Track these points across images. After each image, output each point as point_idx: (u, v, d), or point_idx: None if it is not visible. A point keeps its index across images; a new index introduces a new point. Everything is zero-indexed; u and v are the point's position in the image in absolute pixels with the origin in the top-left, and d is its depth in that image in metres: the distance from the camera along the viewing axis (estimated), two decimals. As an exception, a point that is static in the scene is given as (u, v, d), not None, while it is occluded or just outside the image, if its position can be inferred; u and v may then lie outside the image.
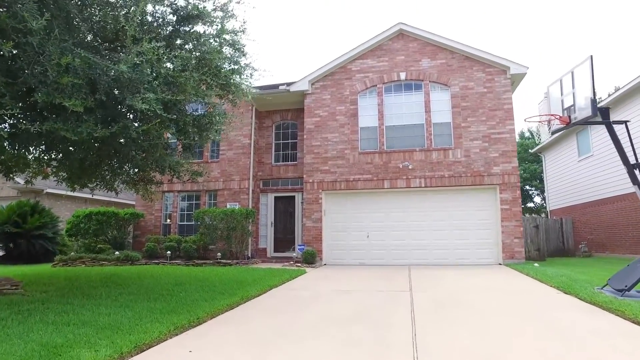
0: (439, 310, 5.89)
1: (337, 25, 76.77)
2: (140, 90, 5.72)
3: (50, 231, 14.63)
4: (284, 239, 14.69)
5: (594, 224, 18.24)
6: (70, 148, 6.54)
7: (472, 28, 64.56)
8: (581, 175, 19.21)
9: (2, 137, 5.28)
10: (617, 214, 16.46)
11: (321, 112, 14.01)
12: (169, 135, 7.19)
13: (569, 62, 59.03)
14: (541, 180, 28.72)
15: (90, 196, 18.87)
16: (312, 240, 13.17)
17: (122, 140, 6.29)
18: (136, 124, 6.10)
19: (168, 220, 14.89)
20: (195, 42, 6.86)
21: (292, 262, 12.77)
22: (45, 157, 8.06)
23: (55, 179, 9.32)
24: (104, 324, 4.64)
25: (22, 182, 13.07)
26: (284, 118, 15.37)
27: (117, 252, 12.46)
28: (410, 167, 13.05)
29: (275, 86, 14.87)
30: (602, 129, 17.04)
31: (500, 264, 12.15)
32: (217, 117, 7.47)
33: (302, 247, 12.90)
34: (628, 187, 15.33)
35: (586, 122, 6.62)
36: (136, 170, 8.42)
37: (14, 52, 5.28)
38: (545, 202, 26.33)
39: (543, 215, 28.44)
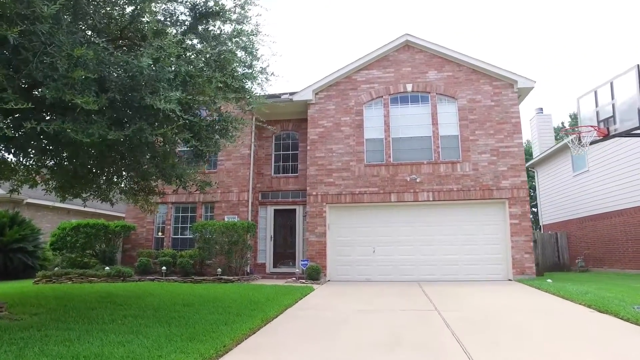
0: (481, 332, 5.40)
1: (341, 35, 77.21)
2: (158, 89, 5.14)
3: (31, 244, 13.59)
4: (283, 254, 14.03)
5: (591, 239, 18.23)
6: (73, 152, 5.84)
7: (478, 41, 65.90)
8: (576, 191, 19.26)
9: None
10: (616, 228, 16.45)
11: (325, 122, 13.58)
12: (178, 141, 6.57)
13: (568, 75, 60.42)
14: (532, 196, 28.90)
15: (73, 207, 17.82)
16: (315, 255, 12.57)
17: (132, 145, 5.65)
18: (149, 127, 5.47)
19: (160, 234, 14.05)
20: (214, 41, 6.33)
21: (295, 278, 12.12)
22: (38, 163, 7.30)
23: (43, 188, 8.51)
24: (120, 357, 3.96)
25: (4, 191, 12.12)
26: (284, 128, 14.86)
27: (107, 268, 11.55)
28: (417, 180, 12.69)
29: (276, 95, 14.41)
30: (598, 146, 17.22)
31: (510, 280, 11.81)
32: (233, 123, 6.90)
33: (306, 262, 12.28)
34: (627, 202, 15.40)
35: (628, 133, 6.36)
36: (138, 179, 7.73)
37: (18, 41, 4.65)
38: (537, 217, 26.41)
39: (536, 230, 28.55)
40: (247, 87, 7.16)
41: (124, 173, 7.93)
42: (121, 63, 4.90)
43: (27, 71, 4.61)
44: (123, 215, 18.97)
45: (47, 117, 5.23)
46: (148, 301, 7.42)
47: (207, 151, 6.88)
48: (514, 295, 8.99)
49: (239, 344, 4.90)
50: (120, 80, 5.06)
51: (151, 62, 4.78)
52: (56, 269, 11.91)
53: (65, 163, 6.54)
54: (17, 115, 4.73)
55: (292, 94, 13.87)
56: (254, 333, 5.46)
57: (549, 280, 10.97)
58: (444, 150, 12.96)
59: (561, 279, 12.28)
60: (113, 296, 8.02)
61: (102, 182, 8.49)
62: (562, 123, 35.09)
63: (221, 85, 6.21)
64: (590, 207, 18.09)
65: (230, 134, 6.94)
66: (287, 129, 14.84)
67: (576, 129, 7.02)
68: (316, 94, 13.80)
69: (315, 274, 11.91)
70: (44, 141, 5.34)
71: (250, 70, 7.15)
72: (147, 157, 6.00)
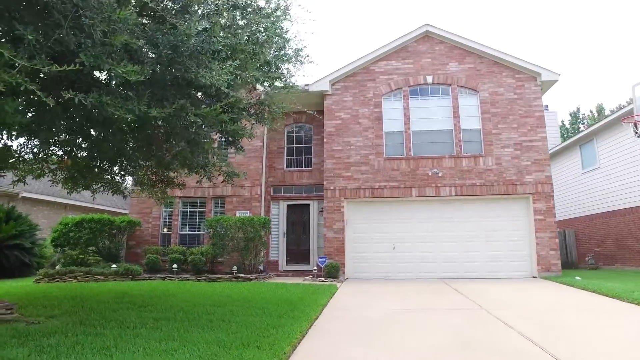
0: (551, 334, 4.91)
1: (358, 26, 75.90)
2: (202, 62, 4.53)
3: (28, 241, 12.77)
4: (297, 251, 13.46)
5: (602, 237, 18.02)
6: (103, 134, 5.17)
7: (499, 32, 65.34)
8: (586, 188, 19.03)
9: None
10: (630, 226, 16.22)
11: (342, 114, 13.02)
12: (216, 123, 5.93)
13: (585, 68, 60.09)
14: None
15: (70, 202, 16.98)
16: (333, 252, 12.02)
17: (170, 127, 5.02)
18: (191, 106, 4.83)
19: (166, 230, 13.34)
20: (255, 15, 5.72)
21: (312, 276, 11.55)
22: (47, 151, 6.58)
23: (50, 179, 7.79)
24: (178, 369, 3.35)
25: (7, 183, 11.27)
26: (297, 121, 14.27)
27: (114, 265, 10.82)
28: (439, 174, 12.23)
29: (289, 86, 13.78)
30: (610, 142, 17.02)
31: (534, 277, 11.43)
32: (271, 107, 6.30)
33: (324, 259, 11.72)
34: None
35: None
36: (161, 168, 7.06)
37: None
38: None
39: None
40: (283, 70, 6.57)
41: (141, 162, 7.25)
42: (165, 31, 4.27)
43: (58, 37, 3.96)
44: (124, 211, 18.21)
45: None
46: (171, 302, 6.78)
47: (242, 136, 6.26)
48: (552, 293, 8.56)
49: (294, 349, 4.33)
50: (160, 52, 4.43)
51: (201, 29, 4.16)
52: (57, 267, 11.14)
53: (87, 148, 5.85)
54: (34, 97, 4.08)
55: (307, 85, 13.26)
56: (304, 337, 4.89)
57: (577, 278, 10.60)
58: (466, 144, 12.51)
59: (583, 276, 11.92)
60: (130, 296, 7.35)
61: (116, 172, 7.85)
62: (562, 121, 35.09)
63: (263, 64, 5.62)
64: (601, 205, 17.86)
65: (266, 117, 6.33)
66: (300, 121, 14.25)
67: (636, 117, 6.59)
68: (333, 84, 13.23)
69: (334, 272, 11.36)
70: (74, 120, 4.66)
71: (283, 52, 6.57)
72: (183, 142, 5.36)
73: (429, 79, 12.99)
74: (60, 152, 6.68)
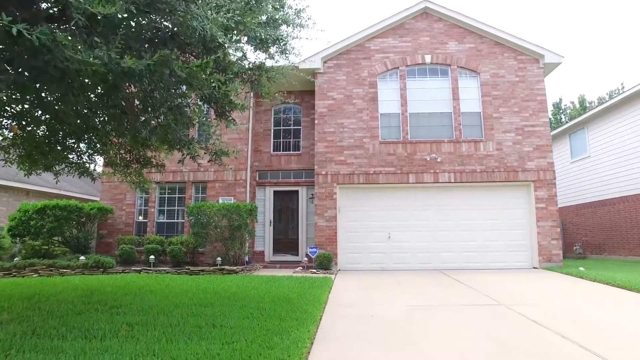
0: (594, 334, 4.24)
1: (353, 3, 72.72)
2: (189, 6, 3.54)
3: (-20, 230, 11.37)
4: (284, 241, 12.57)
5: (590, 226, 17.90)
6: (60, 93, 4.08)
7: (501, 12, 63.88)
8: (574, 177, 18.85)
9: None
10: (618, 215, 16.08)
11: (335, 94, 12.10)
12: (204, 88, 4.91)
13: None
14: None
15: (34, 187, 15.49)
16: (325, 242, 11.20)
17: (149, 85, 4.00)
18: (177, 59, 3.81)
19: (141, 218, 12.19)
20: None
21: (302, 268, 10.72)
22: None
23: (1, 158, 6.62)
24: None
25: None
26: (285, 101, 13.19)
27: (82, 257, 9.65)
28: (438, 159, 11.52)
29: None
30: (602, 130, 16.78)
31: (535, 268, 10.95)
32: (269, 73, 5.32)
33: (315, 250, 10.89)
34: (631, 189, 14.97)
35: None
36: (136, 145, 5.99)
37: None
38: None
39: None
40: (282, 32, 5.58)
41: (113, 137, 6.17)
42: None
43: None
44: (96, 198, 16.84)
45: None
46: (149, 301, 5.79)
47: (234, 107, 5.28)
48: (565, 286, 8.00)
49: (306, 362, 3.49)
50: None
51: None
52: (15, 259, 9.89)
53: (44, 118, 4.75)
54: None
55: (295, 63, 12.22)
56: (313, 343, 4.05)
57: (581, 268, 10.15)
58: (466, 128, 11.83)
59: (576, 265, 11.51)
60: (99, 294, 6.31)
61: (83, 149, 6.74)
62: (553, 104, 35.03)
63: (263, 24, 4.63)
64: (589, 194, 17.68)
65: (264, 86, 5.36)
66: (289, 102, 13.18)
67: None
68: (325, 62, 12.27)
69: (326, 263, 10.55)
70: (20, 73, 3.57)
71: (282, 13, 5.58)
72: (164, 108, 4.34)
73: (427, 58, 12.19)
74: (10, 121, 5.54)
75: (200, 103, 5.38)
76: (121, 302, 5.59)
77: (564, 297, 6.85)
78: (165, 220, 12.08)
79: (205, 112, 6.14)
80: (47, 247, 10.68)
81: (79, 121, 5.40)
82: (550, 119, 34.34)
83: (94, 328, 4.16)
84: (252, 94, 12.21)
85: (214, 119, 5.64)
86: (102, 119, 5.27)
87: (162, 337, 3.90)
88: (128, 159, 6.81)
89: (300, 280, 8.30)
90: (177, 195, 12.20)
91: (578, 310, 5.74)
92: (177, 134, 5.62)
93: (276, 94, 6.23)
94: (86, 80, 3.80)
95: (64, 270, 9.20)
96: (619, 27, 56.89)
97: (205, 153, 6.27)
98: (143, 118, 4.91)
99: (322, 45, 12.92)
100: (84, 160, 6.94)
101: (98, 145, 6.62)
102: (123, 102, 4.53)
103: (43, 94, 4.19)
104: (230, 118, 5.51)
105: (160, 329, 4.18)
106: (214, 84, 4.45)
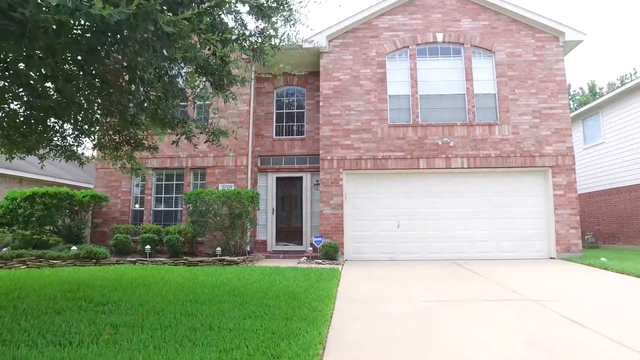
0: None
1: None
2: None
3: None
4: (288, 230, 12.00)
5: (603, 214, 17.28)
6: (29, 56, 3.44)
7: None
8: (587, 164, 18.16)
9: None
10: (634, 203, 15.44)
11: (341, 74, 11.40)
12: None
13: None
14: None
15: (26, 175, 14.91)
16: (330, 230, 10.63)
17: (131, 46, 3.35)
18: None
19: (138, 206, 11.62)
20: None
21: (307, 258, 10.18)
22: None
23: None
24: None
25: None
26: (288, 83, 12.56)
27: (74, 247, 9.10)
28: (450, 144, 10.87)
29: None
30: (618, 115, 16.06)
31: (553, 258, 10.38)
32: (272, 40, 4.66)
33: (320, 239, 10.32)
34: (656, 175, 14.33)
35: None
36: (124, 123, 5.36)
37: None
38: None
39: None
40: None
41: (99, 115, 5.55)
42: None
43: None
44: (90, 185, 16.26)
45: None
46: (140, 296, 5.23)
47: (232, 80, 4.64)
48: (593, 278, 7.41)
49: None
50: None
51: None
52: (4, 249, 9.35)
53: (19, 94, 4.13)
54: None
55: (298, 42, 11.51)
56: (324, 348, 3.49)
57: (603, 259, 9.57)
58: (480, 110, 11.15)
59: (600, 256, 10.94)
60: (87, 288, 5.75)
61: (69, 131, 6.15)
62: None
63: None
64: (603, 181, 17.03)
65: (267, 53, 4.71)
66: (292, 84, 12.55)
67: None
68: (330, 41, 11.54)
69: (332, 253, 10.00)
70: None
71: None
72: (150, 74, 3.70)
73: (439, 37, 11.45)
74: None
75: (196, 76, 4.71)
76: (109, 298, 5.03)
77: (595, 291, 6.27)
78: (162, 209, 11.51)
79: (202, 87, 5.48)
80: (38, 236, 10.15)
81: (58, 96, 4.80)
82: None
83: (72, 331, 3.59)
84: (253, 74, 11.52)
85: (210, 93, 4.98)
86: (84, 93, 4.64)
87: (150, 343, 3.33)
88: (117, 140, 6.21)
89: (306, 271, 7.74)
90: (174, 182, 11.60)
91: (618, 306, 5.16)
92: (169, 110, 5.00)
93: (282, 66, 5.56)
94: (56, 40, 3.16)
95: (54, 262, 8.66)
96: (627, 11, 55.47)
97: (201, 133, 5.64)
98: (128, 91, 4.27)
99: (331, 9, 12.15)
100: (69, 142, 6.36)
101: (85, 126, 6.04)
102: (105, 71, 3.88)
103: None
104: (229, 92, 4.86)
105: (149, 332, 3.62)
106: (209, 48, 3.82)
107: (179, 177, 11.60)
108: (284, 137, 12.30)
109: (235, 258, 9.03)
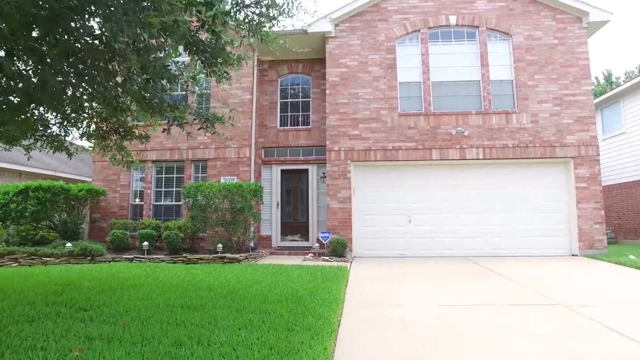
0: None
1: None
2: None
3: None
4: (293, 225, 11.48)
5: (623, 208, 16.51)
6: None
7: None
8: (606, 155, 17.34)
9: None
10: (661, 197, 14.70)
11: (348, 60, 10.78)
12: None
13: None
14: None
15: (27, 169, 14.54)
16: (338, 225, 10.09)
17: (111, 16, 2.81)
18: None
19: (137, 200, 11.18)
20: None
21: (313, 255, 9.66)
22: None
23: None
24: None
25: None
26: (293, 70, 11.96)
27: (69, 244, 8.68)
28: (465, 133, 10.23)
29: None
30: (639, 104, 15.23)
31: (575, 255, 9.75)
32: (272, 8, 4.09)
33: (327, 234, 9.79)
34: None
35: None
36: (108, 107, 4.83)
37: None
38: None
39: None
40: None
41: (83, 100, 5.04)
42: None
43: None
44: (90, 179, 15.86)
45: None
46: (128, 300, 4.74)
47: (226, 59, 4.08)
48: (623, 277, 6.79)
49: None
50: None
51: None
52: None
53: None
54: None
55: (303, 25, 10.91)
56: (332, 367, 2.96)
57: (631, 256, 8.92)
58: (496, 98, 10.48)
59: (623, 252, 10.27)
60: (73, 290, 5.28)
61: (53, 119, 5.68)
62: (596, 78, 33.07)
63: None
64: (624, 173, 16.24)
65: (264, 25, 4.14)
66: (296, 71, 11.95)
67: None
68: (336, 25, 10.91)
69: (340, 249, 9.47)
70: None
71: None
72: (129, 51, 3.15)
73: (452, 19, 10.76)
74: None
75: (178, 48, 4.16)
76: (93, 303, 4.54)
77: (636, 294, 5.65)
78: (162, 203, 11.05)
79: (188, 65, 4.94)
80: (34, 232, 9.77)
81: (31, 78, 4.30)
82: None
83: (38, 346, 3.10)
84: (255, 64, 10.97)
85: (202, 72, 4.42)
86: (57, 72, 4.12)
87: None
88: (104, 128, 5.70)
89: (312, 270, 7.21)
90: (175, 175, 11.12)
91: (663, 313, 4.55)
92: (157, 93, 4.47)
93: (282, 42, 4.99)
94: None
95: (47, 259, 8.25)
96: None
97: (194, 119, 5.11)
98: (108, 69, 3.74)
99: (322, 11, 11.51)
100: (53, 131, 5.88)
101: (70, 114, 5.55)
102: (75, 43, 3.35)
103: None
104: (224, 72, 4.30)
105: (127, 347, 3.11)
106: (197, 20, 3.26)
107: (179, 170, 11.11)
108: (288, 127, 11.74)
109: (237, 255, 8.53)
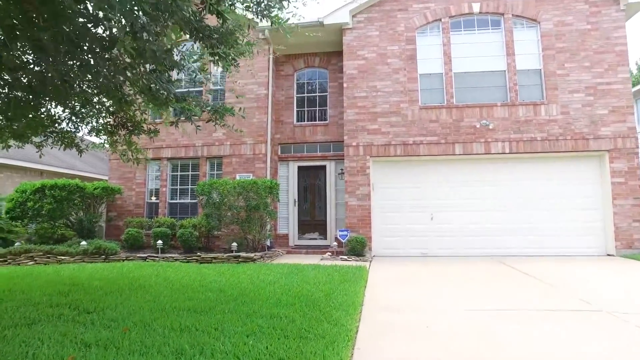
0: None
1: None
2: None
3: (-14, 212, 10.56)
4: (311, 223, 11.17)
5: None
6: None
7: None
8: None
9: None
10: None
11: (367, 52, 10.38)
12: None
13: None
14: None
15: (48, 168, 14.72)
16: (357, 223, 9.72)
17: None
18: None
19: (153, 198, 11.08)
20: None
21: (331, 254, 9.34)
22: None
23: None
24: None
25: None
26: (309, 64, 11.64)
27: (83, 243, 8.61)
28: (490, 126, 9.70)
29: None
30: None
31: (610, 255, 9.11)
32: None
33: (346, 233, 9.45)
34: None
35: None
36: (114, 100, 4.62)
37: None
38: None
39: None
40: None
41: (87, 91, 4.84)
42: None
43: None
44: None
45: None
46: (134, 302, 4.52)
47: (234, 46, 3.79)
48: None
49: None
50: None
51: None
52: (17, 244, 8.96)
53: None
54: None
55: (319, 18, 10.55)
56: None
57: (674, 257, 8.26)
58: (523, 88, 9.90)
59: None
60: (80, 291, 5.11)
61: (62, 115, 5.54)
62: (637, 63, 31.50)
63: None
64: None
65: (272, 5, 3.82)
66: (313, 65, 11.62)
67: None
68: (354, 16, 10.51)
69: (359, 248, 9.11)
70: None
71: None
72: (124, 34, 2.89)
73: (475, 7, 10.22)
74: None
75: (178, 30, 3.88)
76: (98, 305, 4.33)
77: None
78: (178, 201, 10.91)
79: (191, 50, 4.67)
80: (52, 230, 9.76)
81: (31, 68, 4.13)
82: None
83: (29, 354, 2.87)
84: (270, 58, 10.70)
85: (210, 59, 4.14)
86: (57, 60, 3.91)
87: (120, 374, 2.56)
88: (112, 122, 5.51)
89: (329, 270, 6.88)
90: (190, 173, 10.97)
91: None
92: (162, 84, 4.22)
93: (293, 25, 4.67)
94: None
95: (62, 258, 8.18)
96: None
97: (203, 111, 4.84)
98: (105, 57, 3.50)
99: (338, 2, 11.10)
100: (64, 127, 5.74)
101: (79, 108, 5.39)
102: (70, 27, 3.11)
103: None
104: (230, 57, 4.01)
105: (123, 356, 2.85)
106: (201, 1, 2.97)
107: (194, 168, 10.95)
108: (305, 123, 11.42)
109: (252, 254, 8.27)
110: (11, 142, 6.08)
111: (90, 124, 5.68)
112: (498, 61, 10.08)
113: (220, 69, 10.72)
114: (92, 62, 3.75)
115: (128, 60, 3.65)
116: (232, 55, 4.23)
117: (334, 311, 4.16)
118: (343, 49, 10.50)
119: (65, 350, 2.95)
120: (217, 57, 3.89)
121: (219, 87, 11.02)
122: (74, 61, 3.77)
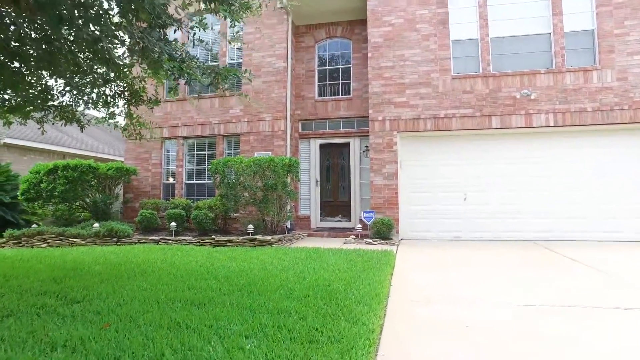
0: None
1: None
2: None
3: (8, 195, 10.45)
4: (334, 204, 10.53)
5: None
6: None
7: None
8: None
9: None
10: None
11: (393, 18, 9.45)
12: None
13: None
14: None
15: (69, 150, 14.65)
16: (383, 204, 9.00)
17: None
18: None
19: (171, 179, 10.70)
20: None
21: (355, 237, 8.70)
22: None
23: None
24: None
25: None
26: (331, 35, 10.80)
27: (96, 225, 8.31)
28: (532, 96, 8.67)
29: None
30: None
31: (671, 242, 8.04)
32: None
33: (371, 214, 8.76)
34: None
35: None
36: (104, 62, 4.04)
37: None
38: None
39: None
40: None
41: (80, 57, 4.31)
42: None
43: None
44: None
45: None
46: (128, 291, 4.03)
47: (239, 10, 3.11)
48: None
49: None
50: None
51: None
52: (34, 226, 8.79)
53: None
54: None
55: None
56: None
57: None
58: (571, 53, 8.76)
59: None
60: (77, 276, 4.68)
61: (59, 87, 5.09)
62: None
63: None
64: None
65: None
66: (335, 35, 10.78)
67: None
68: (378, -23, 9.57)
69: (385, 231, 8.43)
70: None
71: None
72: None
73: (517, -39, 9.06)
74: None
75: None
76: (88, 294, 3.87)
77: None
78: (195, 182, 10.48)
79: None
80: (68, 212, 9.57)
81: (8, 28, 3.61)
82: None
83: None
84: (289, 28, 9.95)
85: (207, 8, 3.48)
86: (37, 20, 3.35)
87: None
88: (107, 93, 4.98)
89: (351, 255, 6.25)
90: (207, 152, 10.48)
91: None
92: (156, 42, 3.60)
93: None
94: None
95: (74, 240, 7.90)
96: None
97: (203, 74, 4.20)
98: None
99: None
100: (62, 101, 5.29)
101: (71, 76, 4.88)
102: None
103: None
104: (235, 7, 3.33)
105: (92, 362, 2.31)
106: None
107: (211, 146, 10.46)
108: (327, 97, 10.67)
109: (269, 237, 7.72)
110: (12, 118, 5.73)
111: (87, 95, 5.19)
112: (542, 23, 8.95)
113: (236, 44, 10.10)
114: (65, 15, 3.17)
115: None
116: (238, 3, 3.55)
117: (354, 305, 3.52)
118: (367, 16, 9.60)
119: (23, 355, 2.44)
120: (216, 3, 3.22)
121: (235, 61, 10.38)
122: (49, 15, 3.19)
